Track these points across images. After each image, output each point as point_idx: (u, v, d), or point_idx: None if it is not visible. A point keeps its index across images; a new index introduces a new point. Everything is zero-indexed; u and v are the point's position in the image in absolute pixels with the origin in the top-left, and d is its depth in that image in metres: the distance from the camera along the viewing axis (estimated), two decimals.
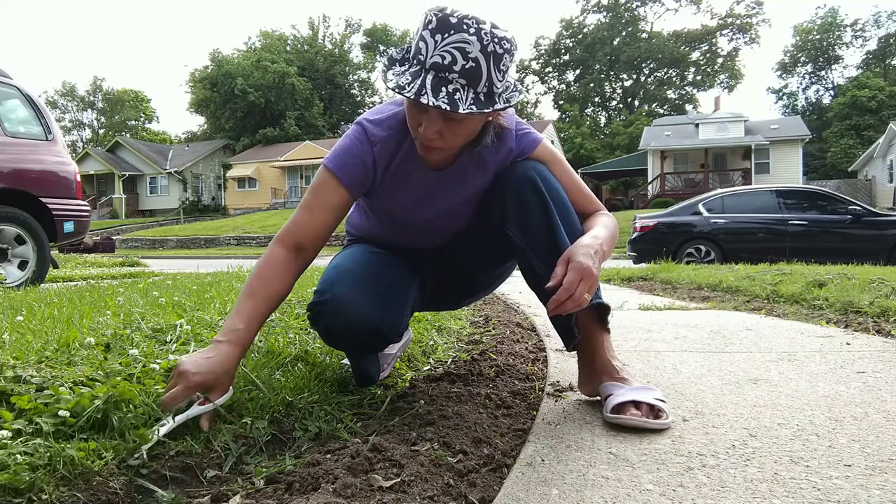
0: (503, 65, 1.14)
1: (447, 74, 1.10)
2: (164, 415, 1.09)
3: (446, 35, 1.10)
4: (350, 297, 1.26)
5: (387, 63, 1.18)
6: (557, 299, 1.16)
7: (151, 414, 1.09)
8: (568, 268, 1.18)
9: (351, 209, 1.55)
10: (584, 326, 1.35)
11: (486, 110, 1.12)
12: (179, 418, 1.09)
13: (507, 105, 1.17)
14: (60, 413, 1.03)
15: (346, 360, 1.60)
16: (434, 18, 1.11)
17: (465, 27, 1.10)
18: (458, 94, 1.10)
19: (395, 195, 1.39)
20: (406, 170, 1.34)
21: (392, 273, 1.40)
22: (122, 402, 1.08)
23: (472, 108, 1.10)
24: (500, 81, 1.15)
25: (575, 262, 1.18)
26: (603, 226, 1.35)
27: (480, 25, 1.10)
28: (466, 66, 1.10)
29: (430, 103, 1.08)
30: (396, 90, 1.10)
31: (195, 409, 1.12)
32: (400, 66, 1.17)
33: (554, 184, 1.35)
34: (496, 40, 1.11)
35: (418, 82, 1.11)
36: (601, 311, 1.34)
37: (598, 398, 1.37)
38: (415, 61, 1.14)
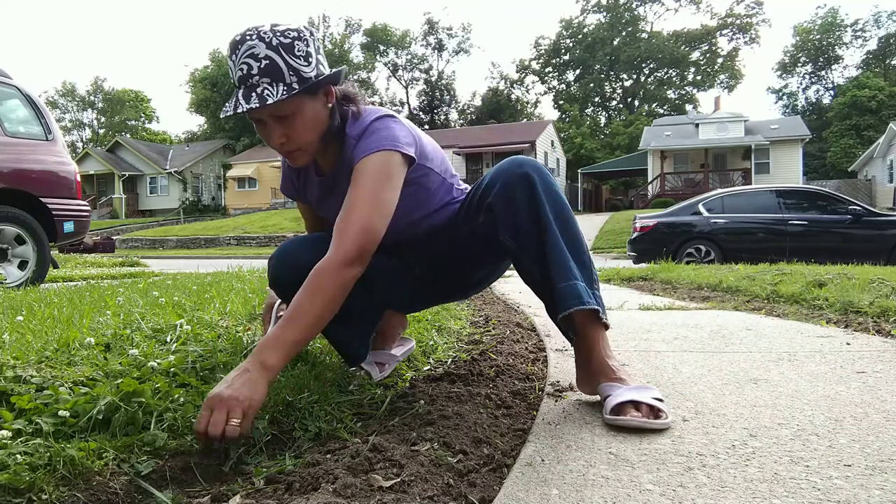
0: (298, 51, 1.23)
1: (251, 80, 1.21)
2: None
3: (238, 51, 1.22)
4: (290, 246, 1.45)
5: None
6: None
7: (157, 409, 1.09)
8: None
9: None
10: (580, 325, 1.35)
11: (297, 92, 1.21)
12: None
13: (323, 80, 1.26)
14: (60, 413, 1.03)
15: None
16: (228, 45, 1.24)
17: (248, 37, 1.22)
18: (266, 91, 1.20)
19: (313, 200, 1.54)
20: (308, 179, 1.51)
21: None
22: (132, 399, 1.08)
23: (283, 95, 1.19)
24: (307, 66, 1.24)
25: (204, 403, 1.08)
26: (287, 316, 1.21)
27: (260, 29, 1.23)
28: (262, 66, 1.21)
29: (243, 108, 1.19)
30: (224, 115, 1.22)
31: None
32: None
33: (551, 183, 1.35)
34: (278, 34, 1.22)
35: (233, 100, 1.22)
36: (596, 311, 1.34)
37: (598, 397, 1.37)
38: (235, 88, 1.26)
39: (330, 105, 1.32)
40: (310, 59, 1.25)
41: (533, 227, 1.31)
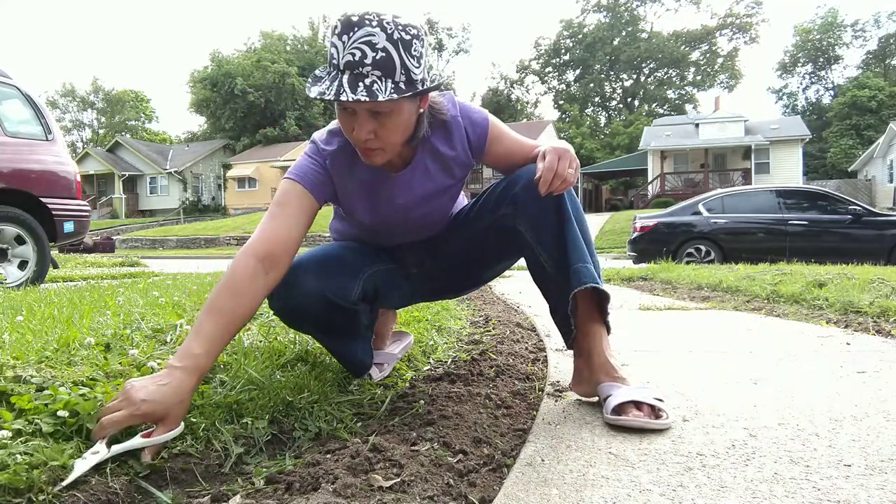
0: (414, 50, 1.16)
1: (361, 69, 1.12)
2: (97, 442, 0.96)
3: (351, 34, 1.13)
4: (293, 276, 1.30)
5: (311, 81, 1.20)
6: (545, 180, 1.23)
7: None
8: (545, 152, 1.27)
9: (331, 217, 1.64)
10: (582, 322, 1.35)
11: (406, 94, 1.15)
12: (116, 448, 0.97)
13: (430, 87, 1.20)
14: (60, 413, 1.03)
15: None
16: (338, 23, 1.15)
17: (367, 22, 1.13)
18: (375, 85, 1.12)
19: (357, 200, 1.42)
20: (362, 176, 1.38)
21: (343, 252, 1.47)
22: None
23: (392, 95, 1.12)
24: (418, 68, 1.18)
25: (548, 147, 1.27)
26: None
27: (382, 17, 1.14)
28: (377, 58, 1.12)
29: (349, 98, 1.10)
30: (319, 97, 1.14)
31: (137, 441, 0.99)
32: (319, 82, 1.18)
33: (571, 193, 1.36)
34: (400, 28, 1.14)
35: (336, 84, 1.13)
36: (601, 302, 1.35)
37: (595, 399, 1.37)
38: (331, 69, 1.17)
39: (421, 111, 1.27)
40: (421, 62, 1.19)
41: (554, 218, 1.33)
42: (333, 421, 1.24)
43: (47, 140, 4.91)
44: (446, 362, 1.83)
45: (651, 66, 48.86)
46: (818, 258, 7.16)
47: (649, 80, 49.86)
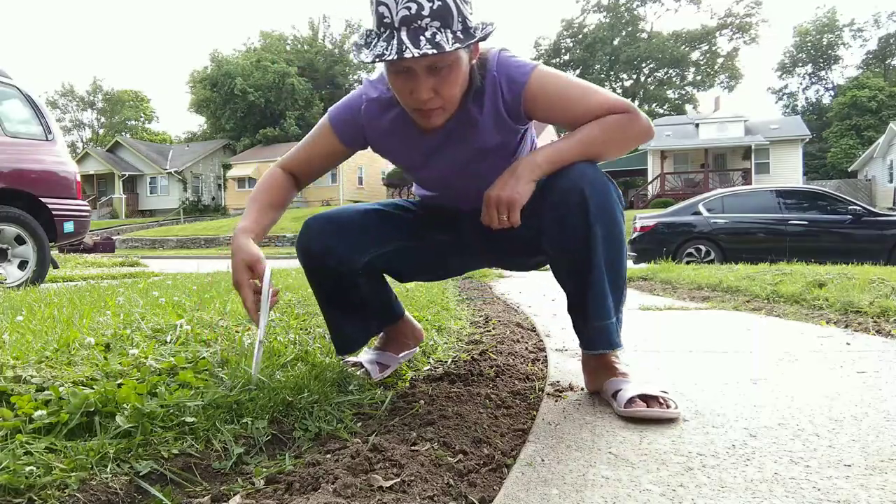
0: None
1: (419, 22, 1.07)
2: (251, 323, 1.26)
3: None
4: (308, 227, 1.43)
5: (356, 49, 1.15)
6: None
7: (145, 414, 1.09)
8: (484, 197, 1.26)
9: None
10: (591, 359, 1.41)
11: (471, 42, 1.10)
12: (264, 321, 1.24)
13: (484, 35, 1.13)
14: (60, 413, 1.03)
15: (348, 359, 1.61)
16: None
17: None
18: (437, 36, 1.07)
19: (395, 156, 1.42)
20: (392, 133, 1.34)
21: (368, 221, 1.46)
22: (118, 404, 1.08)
23: (455, 45, 1.06)
24: (471, 14, 1.14)
25: (487, 193, 1.25)
26: (571, 135, 1.26)
27: None
28: (434, 7, 1.07)
29: (414, 54, 1.04)
30: (378, 61, 1.08)
31: (267, 304, 1.27)
32: (368, 47, 1.13)
33: (609, 204, 1.23)
34: None
35: (395, 43, 1.07)
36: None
37: (600, 395, 1.38)
38: (382, 29, 1.10)
39: (473, 62, 1.21)
40: (472, 8, 1.13)
41: (580, 252, 1.24)
42: (333, 421, 1.24)
43: (47, 140, 4.91)
44: (446, 362, 1.83)
45: (651, 66, 48.85)
46: (818, 258, 7.16)
47: (649, 80, 49.86)
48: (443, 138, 1.32)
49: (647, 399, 1.22)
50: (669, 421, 1.19)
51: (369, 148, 1.42)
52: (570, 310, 1.38)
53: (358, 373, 1.54)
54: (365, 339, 1.59)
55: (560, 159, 1.23)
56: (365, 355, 1.64)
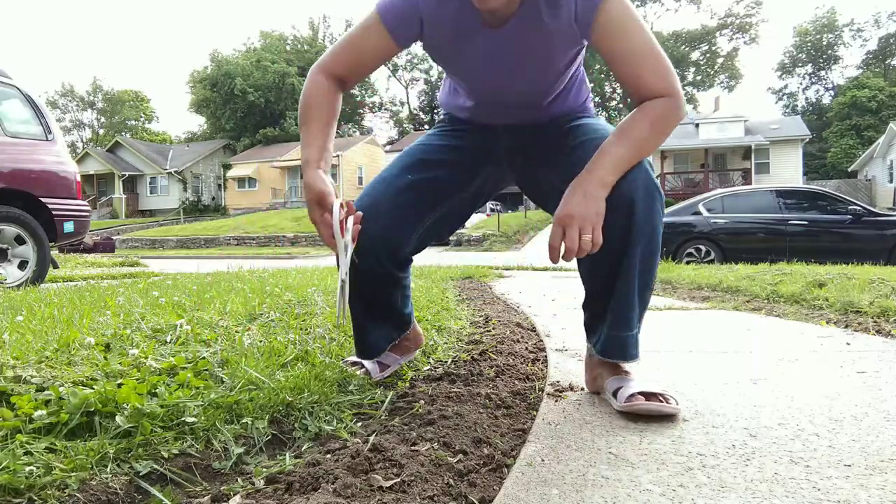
0: None
1: None
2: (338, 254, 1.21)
3: None
4: (366, 217, 1.30)
5: None
6: (551, 256, 1.17)
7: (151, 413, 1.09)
8: (555, 218, 1.17)
9: (442, 86, 1.57)
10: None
11: None
12: (346, 253, 1.21)
13: None
14: (61, 414, 1.03)
15: (351, 358, 1.60)
16: None
17: None
18: None
19: (450, 56, 1.32)
20: (454, 24, 1.25)
21: (404, 202, 1.38)
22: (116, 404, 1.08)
23: None
24: None
25: (559, 211, 1.16)
26: (624, 137, 1.18)
27: None
28: None
29: None
30: None
31: (349, 236, 1.22)
32: None
33: (653, 217, 1.21)
34: None
35: None
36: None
37: (600, 395, 1.39)
38: None
39: None
40: None
41: (615, 256, 1.22)
42: (333, 421, 1.24)
43: (47, 140, 4.91)
44: (446, 362, 1.83)
45: None
46: (818, 258, 7.17)
47: None
48: (505, 36, 1.23)
49: (647, 395, 1.22)
50: (669, 417, 1.19)
51: (419, 44, 1.33)
52: (588, 309, 1.38)
53: (358, 372, 1.54)
54: (386, 346, 1.54)
55: (623, 169, 1.17)
56: None
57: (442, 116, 1.59)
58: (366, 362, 1.58)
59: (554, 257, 1.16)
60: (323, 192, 1.21)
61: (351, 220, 1.22)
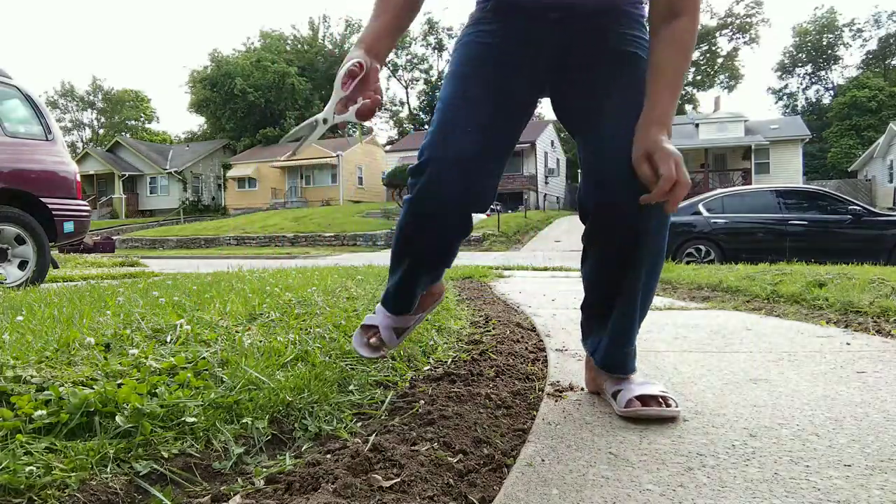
0: None
1: None
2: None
3: None
4: (445, 172, 1.18)
5: None
6: (660, 200, 1.07)
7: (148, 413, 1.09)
8: (657, 156, 1.06)
9: None
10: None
11: None
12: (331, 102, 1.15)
13: None
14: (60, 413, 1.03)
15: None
16: None
17: None
18: None
19: None
20: None
21: (486, 142, 1.21)
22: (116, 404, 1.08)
23: None
24: None
25: (654, 146, 1.07)
26: (665, 76, 1.12)
27: None
28: None
29: None
30: None
31: (340, 88, 1.16)
32: None
33: (661, 239, 1.21)
34: None
35: None
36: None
37: (600, 396, 1.39)
38: None
39: None
40: None
41: (620, 279, 1.22)
42: (333, 421, 1.24)
43: (47, 140, 4.91)
44: (446, 362, 1.83)
45: None
46: (818, 258, 7.16)
47: None
48: None
49: (647, 399, 1.22)
50: (669, 420, 1.19)
51: None
52: (587, 312, 1.38)
53: (372, 340, 1.49)
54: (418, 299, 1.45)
55: (673, 112, 1.13)
56: (381, 317, 1.49)
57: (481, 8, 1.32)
58: (382, 328, 1.48)
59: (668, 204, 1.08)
60: (347, 57, 1.15)
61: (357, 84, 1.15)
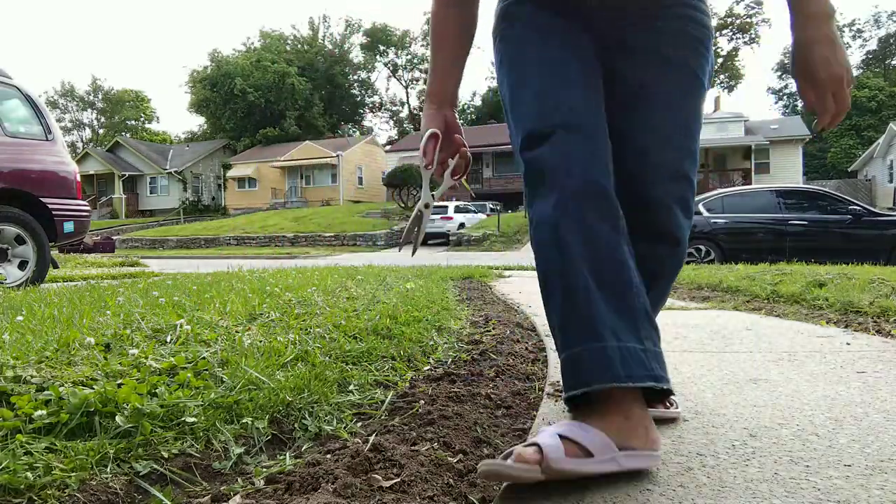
0: None
1: None
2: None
3: None
4: (564, 144, 1.02)
5: None
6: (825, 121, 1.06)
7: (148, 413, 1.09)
8: (817, 81, 1.05)
9: None
10: None
11: None
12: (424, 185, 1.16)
13: None
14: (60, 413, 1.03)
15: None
16: None
17: None
18: None
19: None
20: None
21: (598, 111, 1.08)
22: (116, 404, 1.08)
23: None
24: None
25: (819, 77, 1.05)
26: None
27: None
28: None
29: None
30: None
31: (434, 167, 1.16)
32: None
33: (683, 257, 1.27)
34: None
35: None
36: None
37: None
38: None
39: None
40: None
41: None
42: (333, 421, 1.24)
43: (47, 140, 4.91)
44: (446, 362, 1.83)
45: None
46: (818, 258, 7.17)
47: None
48: None
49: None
50: (670, 421, 1.19)
51: None
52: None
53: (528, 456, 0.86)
54: (662, 369, 0.98)
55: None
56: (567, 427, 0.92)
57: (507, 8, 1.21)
58: (545, 440, 0.85)
59: (832, 123, 1.06)
60: (427, 130, 1.14)
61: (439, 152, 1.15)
